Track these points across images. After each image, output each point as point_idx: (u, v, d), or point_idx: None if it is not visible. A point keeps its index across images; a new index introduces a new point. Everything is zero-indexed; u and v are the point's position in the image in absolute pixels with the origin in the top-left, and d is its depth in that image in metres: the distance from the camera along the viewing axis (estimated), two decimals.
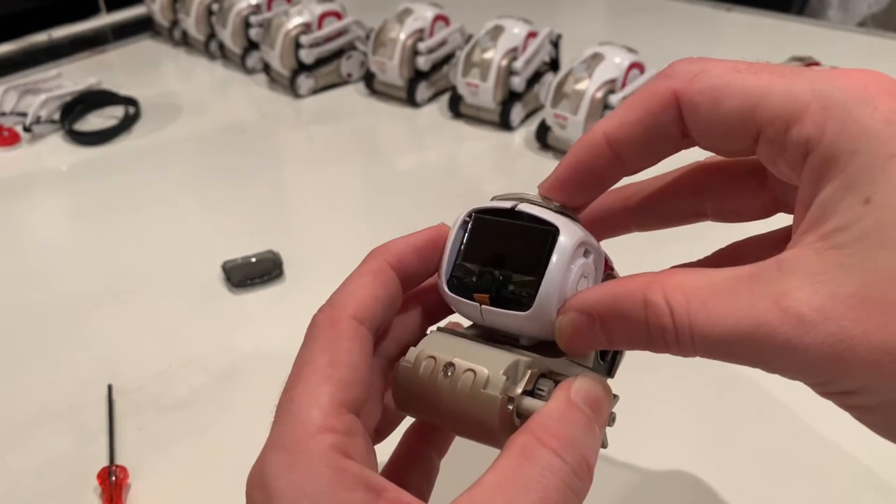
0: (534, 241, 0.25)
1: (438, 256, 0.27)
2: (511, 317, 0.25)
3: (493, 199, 0.27)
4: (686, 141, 0.25)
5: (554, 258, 0.24)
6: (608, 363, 0.29)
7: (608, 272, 0.28)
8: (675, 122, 0.24)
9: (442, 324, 0.29)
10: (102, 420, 0.46)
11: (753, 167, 0.28)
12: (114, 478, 0.42)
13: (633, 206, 0.30)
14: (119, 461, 0.43)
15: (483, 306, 0.25)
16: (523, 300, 0.25)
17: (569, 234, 0.25)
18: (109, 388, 0.48)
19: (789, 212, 0.28)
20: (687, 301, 0.22)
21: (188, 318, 0.56)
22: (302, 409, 0.22)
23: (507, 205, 0.26)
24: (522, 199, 0.26)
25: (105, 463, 0.43)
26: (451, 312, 0.28)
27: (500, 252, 0.26)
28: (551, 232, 0.25)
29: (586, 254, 0.25)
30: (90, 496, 0.42)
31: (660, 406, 0.46)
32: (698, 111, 0.24)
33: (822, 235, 0.21)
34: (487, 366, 0.24)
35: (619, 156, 0.25)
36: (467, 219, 0.27)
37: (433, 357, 0.25)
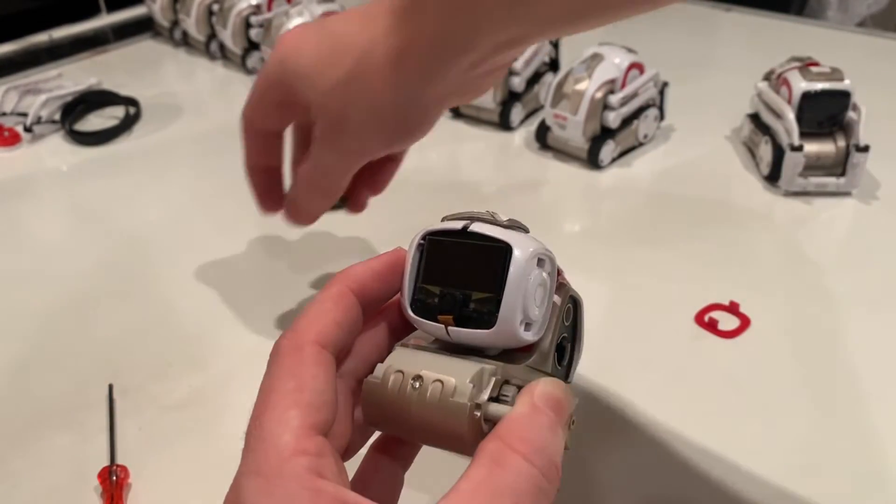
0: (489, 259, 0.26)
1: (398, 279, 0.28)
2: (477, 335, 0.26)
3: (444, 220, 0.28)
4: None
5: (511, 274, 0.25)
6: (564, 369, 0.30)
7: (560, 282, 0.28)
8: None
9: (407, 340, 0.29)
10: (103, 420, 0.46)
11: None
12: (114, 477, 0.42)
13: None
14: (120, 461, 0.43)
15: (448, 327, 0.26)
16: (486, 317, 0.26)
17: (522, 248, 0.25)
18: (110, 387, 0.48)
19: None
20: None
21: (188, 317, 0.56)
22: (273, 435, 0.23)
23: (458, 225, 0.27)
24: (473, 219, 0.27)
25: (106, 462, 0.43)
26: (416, 328, 0.28)
27: (458, 272, 0.27)
28: (504, 249, 0.26)
29: (540, 263, 0.26)
30: (91, 496, 0.42)
31: (659, 406, 0.46)
32: None
33: None
34: (454, 375, 0.25)
35: None
36: (421, 242, 0.28)
37: (401, 371, 0.25)
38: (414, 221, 0.65)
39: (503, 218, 0.27)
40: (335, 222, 0.67)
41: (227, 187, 0.73)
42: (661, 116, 0.76)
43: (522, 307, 0.25)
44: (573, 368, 0.30)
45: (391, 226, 0.66)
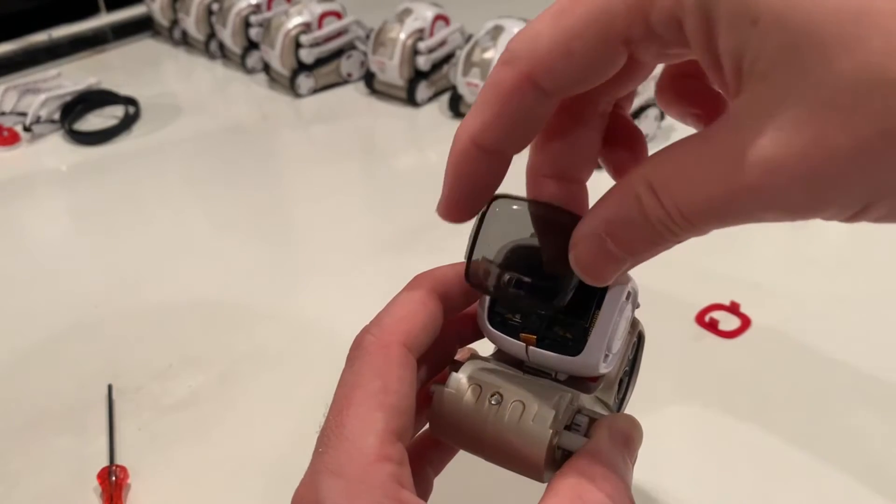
0: (583, 286, 0.25)
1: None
2: (560, 360, 0.25)
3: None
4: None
5: (605, 307, 0.25)
6: (619, 401, 0.29)
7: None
8: (536, 104, 0.24)
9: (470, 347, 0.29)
10: (102, 420, 0.46)
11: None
12: (114, 478, 0.42)
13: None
14: (119, 461, 0.43)
15: (530, 347, 0.26)
16: (569, 343, 0.25)
17: (619, 281, 0.25)
18: (109, 388, 0.48)
19: None
20: (667, 185, 0.21)
21: (188, 318, 0.56)
22: (357, 435, 0.22)
23: None
24: None
25: (105, 463, 0.43)
26: (480, 337, 0.28)
27: None
28: None
29: (629, 297, 0.26)
30: (90, 496, 0.42)
31: (659, 406, 0.46)
32: (555, 75, 0.23)
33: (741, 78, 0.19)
34: (535, 399, 0.24)
35: (495, 153, 0.26)
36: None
37: (478, 385, 0.25)
38: (414, 221, 0.66)
39: None
40: (335, 220, 0.67)
41: (226, 187, 0.73)
42: (662, 116, 0.76)
43: (609, 340, 0.25)
44: (626, 400, 0.30)
45: (391, 225, 0.66)
